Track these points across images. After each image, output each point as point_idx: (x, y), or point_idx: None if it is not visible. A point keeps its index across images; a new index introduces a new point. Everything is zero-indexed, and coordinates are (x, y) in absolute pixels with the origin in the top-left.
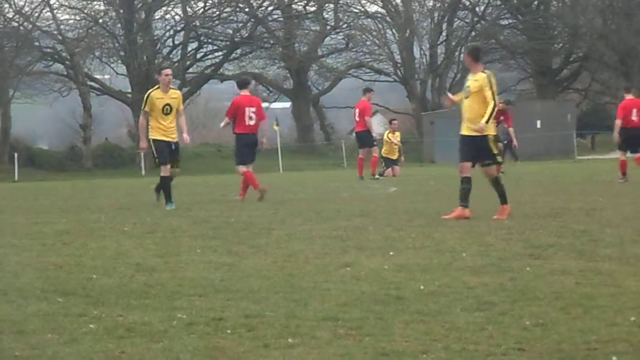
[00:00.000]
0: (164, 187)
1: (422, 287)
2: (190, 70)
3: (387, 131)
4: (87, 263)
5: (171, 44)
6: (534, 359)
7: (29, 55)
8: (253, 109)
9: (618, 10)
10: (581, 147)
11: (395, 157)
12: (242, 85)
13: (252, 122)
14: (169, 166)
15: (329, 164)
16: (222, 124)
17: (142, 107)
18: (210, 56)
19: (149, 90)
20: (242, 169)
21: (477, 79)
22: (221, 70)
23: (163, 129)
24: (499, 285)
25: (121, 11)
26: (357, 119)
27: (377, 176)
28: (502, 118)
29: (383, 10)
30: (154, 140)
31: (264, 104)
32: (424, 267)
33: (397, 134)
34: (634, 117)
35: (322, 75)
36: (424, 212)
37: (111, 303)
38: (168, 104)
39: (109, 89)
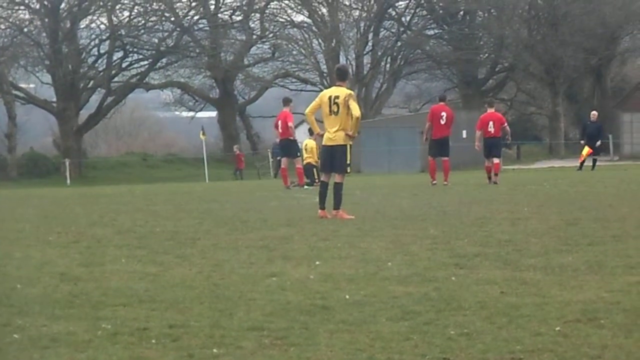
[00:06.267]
0: None
1: (347, 297)
2: (116, 79)
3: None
4: (12, 272)
5: (96, 53)
6: None
7: None
8: None
9: (543, 20)
10: (507, 157)
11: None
12: None
13: None
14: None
15: (255, 174)
16: None
17: None
18: (135, 65)
19: None
20: None
21: None
22: (147, 79)
23: None
24: (424, 294)
25: (46, 20)
26: (281, 130)
27: (305, 187)
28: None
29: (309, 20)
30: None
31: (190, 114)
32: (350, 277)
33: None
34: (491, 129)
35: (248, 84)
36: (350, 222)
37: (35, 313)
38: None
39: (34, 98)
